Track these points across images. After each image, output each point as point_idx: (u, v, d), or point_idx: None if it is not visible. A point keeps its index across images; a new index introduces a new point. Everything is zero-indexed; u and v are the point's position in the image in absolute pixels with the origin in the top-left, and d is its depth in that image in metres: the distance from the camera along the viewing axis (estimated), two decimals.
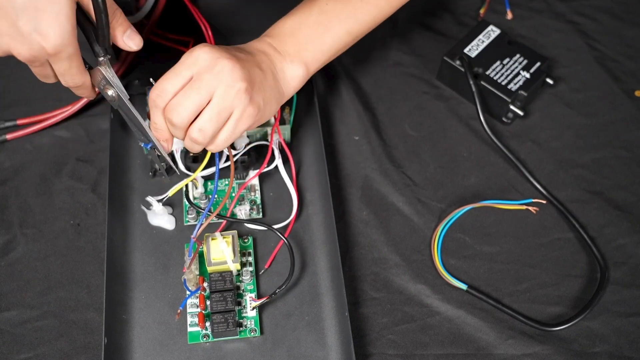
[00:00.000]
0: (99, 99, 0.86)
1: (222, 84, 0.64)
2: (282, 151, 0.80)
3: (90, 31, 0.65)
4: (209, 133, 0.65)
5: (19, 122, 0.84)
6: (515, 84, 0.86)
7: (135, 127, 0.69)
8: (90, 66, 0.67)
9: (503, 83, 0.86)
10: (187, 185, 0.78)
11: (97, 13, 0.61)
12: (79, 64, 0.63)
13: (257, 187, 0.81)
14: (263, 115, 0.68)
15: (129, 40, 0.66)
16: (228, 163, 0.78)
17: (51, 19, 0.58)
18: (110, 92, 0.67)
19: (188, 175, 0.76)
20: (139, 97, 0.86)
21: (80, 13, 0.63)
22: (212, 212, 0.73)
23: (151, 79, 0.69)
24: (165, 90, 0.65)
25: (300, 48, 0.72)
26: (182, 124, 0.65)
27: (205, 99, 0.64)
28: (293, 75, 0.72)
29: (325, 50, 0.73)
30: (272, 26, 0.74)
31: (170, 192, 0.74)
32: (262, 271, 0.76)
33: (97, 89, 0.68)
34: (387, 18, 0.78)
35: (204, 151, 0.70)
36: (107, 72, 0.66)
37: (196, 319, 0.72)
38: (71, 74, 0.63)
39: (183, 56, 0.66)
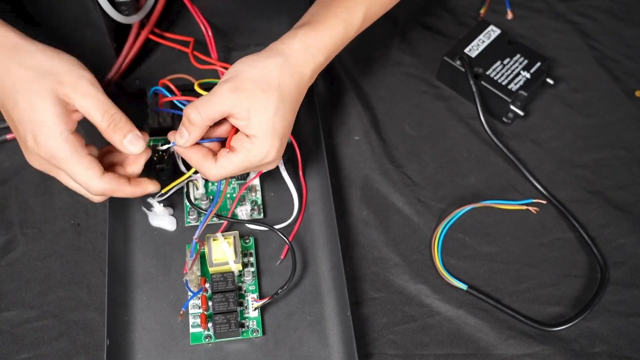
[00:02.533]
0: None
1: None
2: (285, 151, 0.80)
3: None
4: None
5: None
6: (515, 84, 0.86)
7: None
8: None
9: (503, 83, 0.86)
10: (188, 186, 0.78)
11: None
12: (84, 169, 0.63)
13: (258, 188, 0.81)
14: None
15: (130, 145, 0.64)
16: None
17: (40, 125, 0.61)
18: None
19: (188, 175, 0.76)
20: (138, 97, 0.86)
21: None
22: (217, 213, 0.73)
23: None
24: (224, 176, 0.68)
25: (328, 60, 0.72)
26: None
27: None
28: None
29: None
30: (321, 34, 0.70)
31: (163, 190, 0.73)
32: (279, 262, 0.76)
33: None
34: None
35: None
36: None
37: (198, 320, 0.72)
38: (80, 180, 0.63)
39: (255, 155, 0.66)
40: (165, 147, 0.67)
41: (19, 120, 0.61)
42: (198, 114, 0.64)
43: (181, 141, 0.66)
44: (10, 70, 0.61)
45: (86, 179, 0.63)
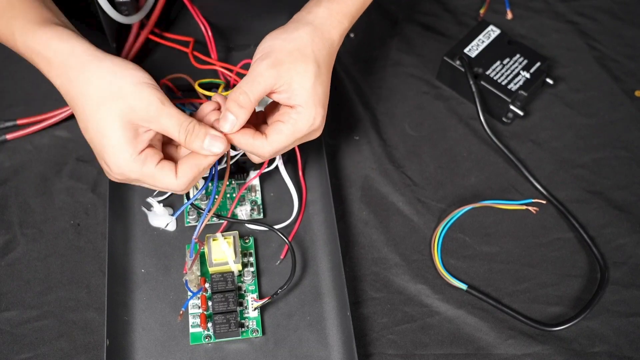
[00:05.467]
0: None
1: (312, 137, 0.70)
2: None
3: None
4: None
5: (19, 122, 0.84)
6: (515, 84, 0.86)
7: None
8: None
9: (503, 83, 0.86)
10: None
11: None
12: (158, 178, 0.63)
13: (258, 188, 0.81)
14: None
15: (211, 147, 0.63)
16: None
17: (109, 150, 0.62)
18: None
19: None
20: None
21: None
22: (215, 212, 0.73)
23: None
24: (277, 152, 0.68)
25: (351, 25, 0.72)
26: None
27: None
28: None
29: None
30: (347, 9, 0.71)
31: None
32: (279, 262, 0.76)
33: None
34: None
35: None
36: None
37: (198, 320, 0.72)
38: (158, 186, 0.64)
39: (303, 123, 0.66)
40: None
41: (91, 142, 0.63)
42: (246, 96, 0.64)
43: (227, 127, 0.64)
44: (80, 92, 0.62)
45: (166, 185, 0.63)
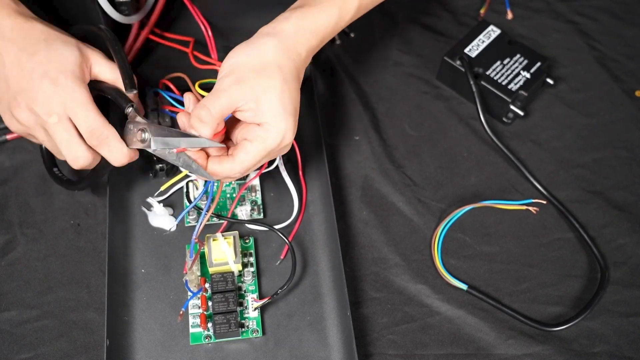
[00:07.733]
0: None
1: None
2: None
3: (110, 91, 0.68)
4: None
5: None
6: (515, 84, 0.86)
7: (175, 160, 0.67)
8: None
9: (503, 83, 0.86)
10: (187, 186, 0.78)
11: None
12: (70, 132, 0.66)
13: (258, 188, 0.81)
14: None
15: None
16: None
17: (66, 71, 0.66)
18: (151, 148, 0.66)
19: (187, 175, 0.76)
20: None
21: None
22: (215, 212, 0.73)
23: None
24: (247, 170, 0.66)
25: (320, 44, 0.71)
26: None
27: None
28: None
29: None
30: (306, 18, 0.69)
31: (162, 187, 0.73)
32: (279, 262, 0.76)
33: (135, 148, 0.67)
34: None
35: None
36: (137, 123, 0.66)
37: (198, 320, 0.72)
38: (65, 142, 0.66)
39: (272, 140, 0.64)
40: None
41: (40, 62, 0.65)
42: (207, 110, 0.63)
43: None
44: (34, 27, 0.66)
45: (100, 122, 0.65)
